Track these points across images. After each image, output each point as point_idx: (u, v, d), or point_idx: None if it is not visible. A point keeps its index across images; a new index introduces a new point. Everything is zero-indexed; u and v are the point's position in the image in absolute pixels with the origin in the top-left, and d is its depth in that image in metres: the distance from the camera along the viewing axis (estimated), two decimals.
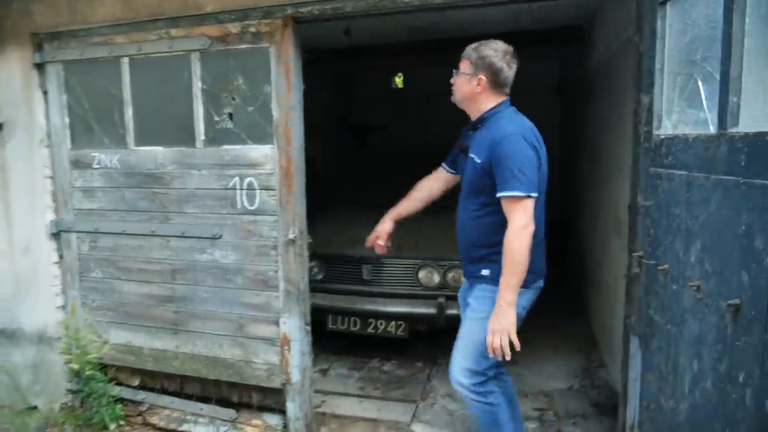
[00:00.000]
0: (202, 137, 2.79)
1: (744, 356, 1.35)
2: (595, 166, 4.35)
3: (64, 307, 3.26)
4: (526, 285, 2.06)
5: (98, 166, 3.02)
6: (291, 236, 2.68)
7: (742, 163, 1.39)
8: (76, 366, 3.04)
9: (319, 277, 4.02)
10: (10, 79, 3.09)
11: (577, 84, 5.58)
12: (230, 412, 3.01)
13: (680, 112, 1.87)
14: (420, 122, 8.14)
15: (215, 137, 2.77)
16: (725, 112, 1.46)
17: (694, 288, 1.63)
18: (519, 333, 2.01)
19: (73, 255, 3.16)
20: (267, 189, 2.72)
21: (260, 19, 2.58)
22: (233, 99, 2.70)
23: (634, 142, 2.17)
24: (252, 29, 2.61)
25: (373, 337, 3.84)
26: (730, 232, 1.42)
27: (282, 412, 2.92)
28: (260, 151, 2.70)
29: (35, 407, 3.40)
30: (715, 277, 1.51)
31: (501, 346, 1.96)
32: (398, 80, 8.98)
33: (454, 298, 3.73)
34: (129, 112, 2.90)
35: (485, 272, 2.17)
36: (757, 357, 1.28)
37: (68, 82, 3.01)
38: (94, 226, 3.07)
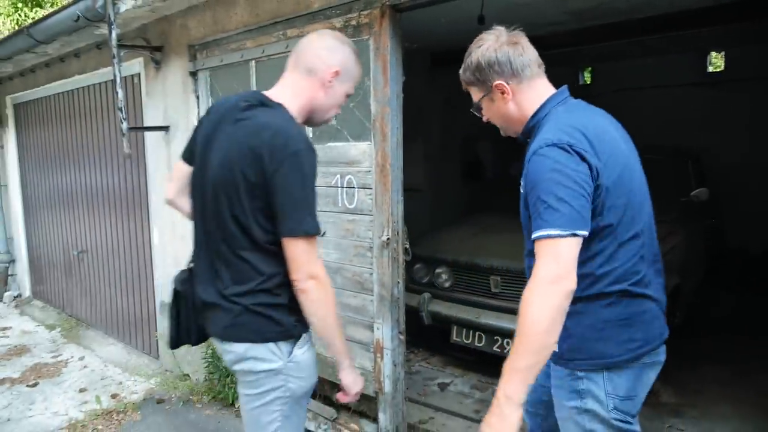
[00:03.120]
0: (310, 134, 2.81)
1: None
2: None
3: None
4: (605, 358, 1.43)
5: None
6: (385, 238, 2.53)
7: None
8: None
9: (447, 284, 3.78)
10: (174, 87, 3.56)
11: None
12: (331, 411, 2.99)
13: None
14: None
15: (321, 134, 2.77)
16: None
17: None
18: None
19: None
20: (364, 187, 2.61)
21: (361, 10, 2.49)
22: None
23: None
24: (353, 22, 2.53)
25: (500, 356, 3.47)
26: None
27: (376, 420, 2.79)
28: (359, 148, 2.61)
29: (187, 375, 3.87)
30: None
31: None
32: (586, 75, 8.15)
33: None
34: None
35: None
36: None
37: (212, 87, 3.34)
38: None
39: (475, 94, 1.59)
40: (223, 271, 1.60)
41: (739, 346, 4.01)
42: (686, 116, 6.66)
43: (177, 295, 1.79)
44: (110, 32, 3.06)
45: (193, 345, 1.83)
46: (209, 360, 3.46)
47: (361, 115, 2.57)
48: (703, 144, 5.81)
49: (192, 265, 1.76)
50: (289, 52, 2.80)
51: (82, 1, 3.37)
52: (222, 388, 3.45)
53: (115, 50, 3.09)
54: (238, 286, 1.58)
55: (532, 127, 1.52)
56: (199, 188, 1.67)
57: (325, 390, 3.06)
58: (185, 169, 1.74)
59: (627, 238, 1.41)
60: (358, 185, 2.64)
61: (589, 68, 8.03)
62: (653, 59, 6.91)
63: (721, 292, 5.21)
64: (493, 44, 1.51)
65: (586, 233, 1.30)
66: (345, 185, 2.69)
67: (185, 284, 1.75)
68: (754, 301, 5.10)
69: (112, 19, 3.06)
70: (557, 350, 1.46)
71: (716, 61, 7.66)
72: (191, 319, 1.77)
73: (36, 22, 4.08)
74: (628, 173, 1.43)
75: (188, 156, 1.74)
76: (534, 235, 1.30)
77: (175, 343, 1.85)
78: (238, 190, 1.53)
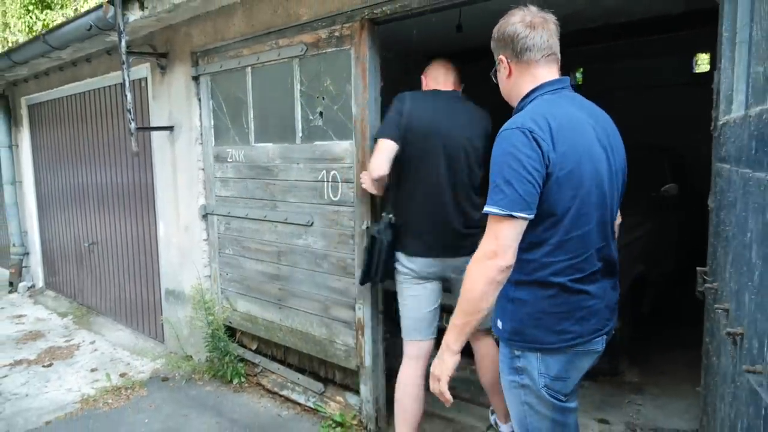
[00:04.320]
0: (300, 134, 3.11)
1: None
2: None
3: (210, 276, 3.94)
4: (539, 343, 1.56)
5: (231, 160, 3.58)
6: (365, 227, 2.82)
7: (753, 151, 1.10)
8: (202, 323, 3.66)
9: None
10: (178, 90, 3.86)
11: None
12: (319, 386, 3.29)
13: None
14: None
15: (309, 134, 3.07)
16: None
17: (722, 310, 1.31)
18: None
19: (214, 234, 3.81)
20: (347, 182, 2.90)
21: (343, 23, 2.78)
22: (323, 99, 2.95)
23: None
24: (336, 33, 2.82)
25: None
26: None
27: (358, 393, 3.09)
28: (342, 146, 2.90)
29: (190, 356, 4.18)
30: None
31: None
32: (578, 76, 8.41)
33: None
34: (251, 113, 3.39)
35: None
36: None
37: (213, 90, 3.64)
38: (228, 210, 3.65)
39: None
40: (470, 209, 2.41)
41: None
42: (674, 115, 6.89)
43: (373, 240, 2.52)
44: (120, 40, 3.37)
45: (378, 283, 2.64)
46: (209, 340, 3.76)
47: (344, 116, 2.86)
48: (690, 143, 6.03)
49: (392, 218, 2.52)
50: (281, 59, 3.13)
51: (94, 12, 3.69)
52: (221, 366, 3.76)
53: (124, 56, 3.40)
54: (476, 217, 2.41)
55: (519, 110, 1.59)
56: (437, 155, 2.37)
57: (314, 366, 3.36)
58: (395, 147, 2.37)
59: (575, 235, 1.49)
60: (342, 180, 2.93)
61: (581, 69, 8.29)
62: (641, 61, 7.17)
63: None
64: (512, 19, 1.58)
65: (526, 215, 1.42)
66: (330, 180, 2.98)
67: (380, 233, 2.50)
68: None
69: (122, 28, 3.37)
70: (501, 330, 1.64)
71: (705, 59, 7.88)
72: (381, 260, 2.49)
73: (51, 30, 4.40)
74: (583, 170, 1.47)
75: (398, 136, 2.37)
76: (483, 210, 1.48)
77: (363, 280, 2.63)
78: (478, 153, 2.41)
